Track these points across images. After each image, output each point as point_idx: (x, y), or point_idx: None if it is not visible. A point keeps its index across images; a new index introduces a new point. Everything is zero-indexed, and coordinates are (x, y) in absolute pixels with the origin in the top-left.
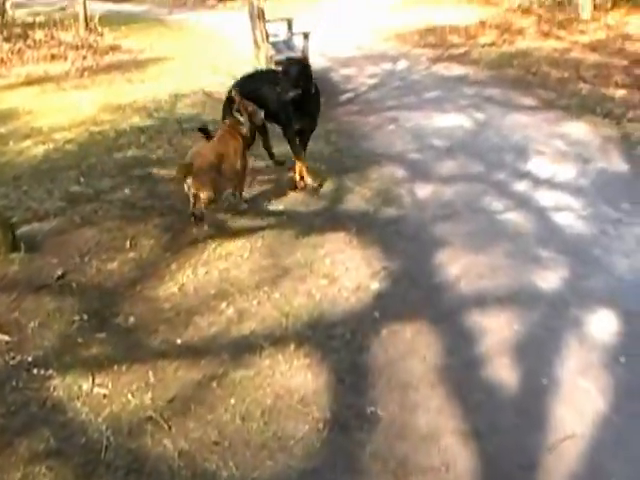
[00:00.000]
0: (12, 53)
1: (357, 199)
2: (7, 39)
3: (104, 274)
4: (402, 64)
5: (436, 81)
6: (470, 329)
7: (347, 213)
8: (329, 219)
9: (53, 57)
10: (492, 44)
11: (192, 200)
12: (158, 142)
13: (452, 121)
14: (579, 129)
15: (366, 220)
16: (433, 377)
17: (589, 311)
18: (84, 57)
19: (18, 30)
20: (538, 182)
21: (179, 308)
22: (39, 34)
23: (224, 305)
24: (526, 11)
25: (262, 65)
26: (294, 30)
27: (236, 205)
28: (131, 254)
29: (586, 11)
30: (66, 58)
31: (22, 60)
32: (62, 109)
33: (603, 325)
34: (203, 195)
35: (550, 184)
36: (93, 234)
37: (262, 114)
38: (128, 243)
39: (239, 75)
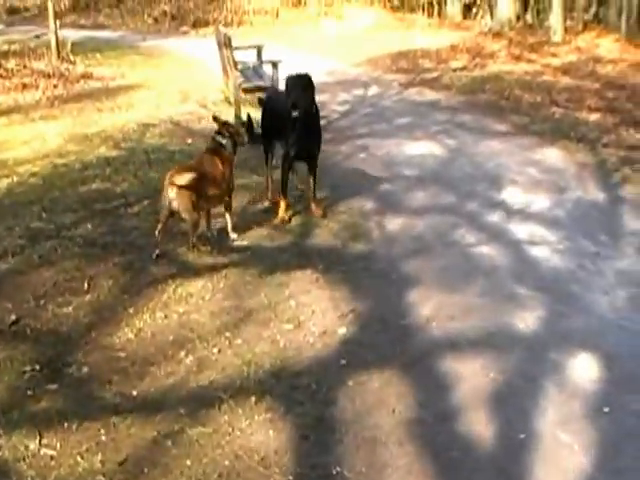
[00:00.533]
0: None
1: (325, 233)
2: None
3: (60, 319)
4: (373, 90)
5: (408, 107)
6: (443, 377)
7: (314, 248)
8: (295, 255)
9: (24, 86)
10: (464, 68)
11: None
12: (124, 174)
13: (423, 149)
14: (553, 155)
15: (334, 256)
16: (403, 432)
17: (569, 355)
18: (55, 86)
19: None
20: (512, 213)
21: (135, 357)
22: (12, 63)
23: (183, 353)
24: (497, 35)
25: (231, 93)
26: (264, 58)
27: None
28: (88, 297)
29: (557, 34)
30: (37, 87)
31: None
32: (28, 141)
33: (584, 371)
34: (186, 216)
35: (524, 215)
36: (51, 275)
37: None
38: (86, 284)
39: (208, 103)
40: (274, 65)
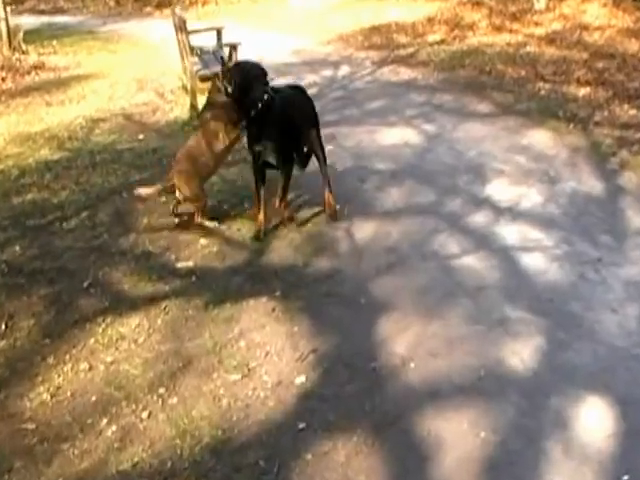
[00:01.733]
0: None
1: (284, 246)
2: None
3: None
4: (344, 70)
5: (381, 88)
6: (423, 442)
7: (271, 268)
8: (249, 278)
9: None
10: (442, 42)
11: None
12: (64, 181)
13: (398, 137)
14: (542, 139)
15: (294, 277)
16: None
17: (574, 401)
18: (3, 79)
19: None
20: (499, 212)
21: (46, 430)
22: None
23: (105, 421)
24: (477, 4)
25: (187, 81)
26: (225, 40)
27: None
28: (3, 343)
29: (541, 1)
30: None
31: None
32: None
33: (594, 423)
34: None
35: (514, 214)
36: None
37: None
38: (3, 325)
39: (166, 92)
40: (233, 48)
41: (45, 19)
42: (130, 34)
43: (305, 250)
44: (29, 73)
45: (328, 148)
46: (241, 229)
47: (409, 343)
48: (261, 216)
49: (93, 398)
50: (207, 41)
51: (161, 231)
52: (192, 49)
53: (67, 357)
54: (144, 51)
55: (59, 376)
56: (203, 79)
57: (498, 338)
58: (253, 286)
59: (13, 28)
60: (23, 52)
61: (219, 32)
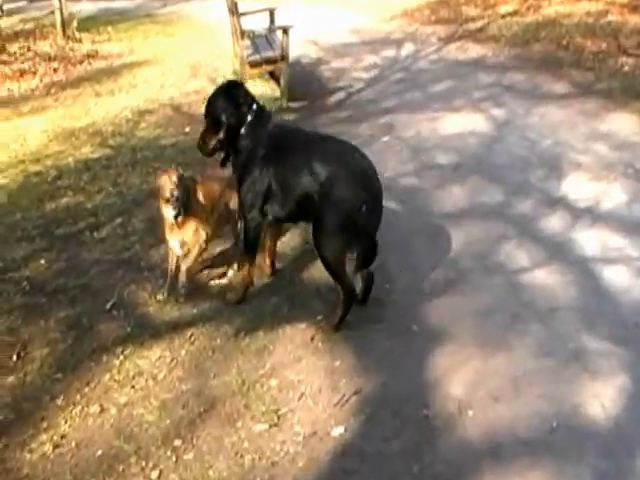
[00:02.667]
0: None
1: None
2: None
3: None
4: (408, 48)
5: (447, 68)
6: None
7: (313, 286)
8: (287, 299)
9: (22, 73)
10: (515, 13)
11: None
12: (101, 182)
13: (463, 124)
14: (626, 124)
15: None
16: None
17: None
18: (55, 70)
19: None
20: (576, 214)
21: None
22: (16, 46)
23: None
24: None
25: (238, 68)
26: (279, 22)
27: None
28: (11, 378)
29: None
30: (36, 73)
31: None
32: (7, 143)
33: None
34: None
35: (593, 216)
36: None
37: None
38: (15, 355)
39: (219, 77)
40: (285, 31)
41: (103, 4)
42: (189, 15)
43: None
44: (81, 62)
45: (383, 140)
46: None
47: (468, 383)
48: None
49: (99, 452)
50: (262, 23)
51: None
52: (243, 33)
53: (78, 397)
54: (202, 33)
55: (66, 421)
56: (253, 65)
57: (574, 376)
58: (291, 309)
59: (67, 17)
60: (77, 41)
61: (272, 13)
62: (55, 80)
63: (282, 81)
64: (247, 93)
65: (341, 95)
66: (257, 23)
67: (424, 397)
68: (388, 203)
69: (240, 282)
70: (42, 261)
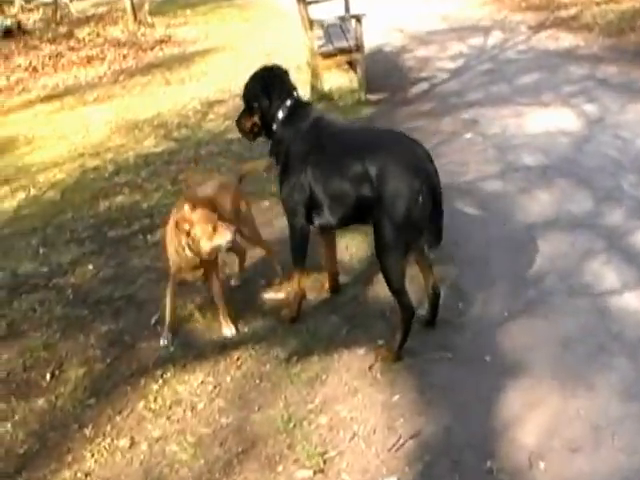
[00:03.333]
0: (49, 58)
1: None
2: (52, 40)
3: None
4: (496, 36)
5: (536, 59)
6: None
7: (378, 305)
8: (348, 319)
9: (90, 60)
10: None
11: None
12: (160, 180)
13: (552, 121)
14: None
15: None
16: None
17: None
18: (124, 56)
19: (64, 29)
20: None
21: None
22: (85, 32)
23: None
24: None
25: (308, 59)
26: (361, 10)
27: None
28: (42, 401)
29: None
30: (104, 59)
31: (56, 66)
32: (68, 134)
33: None
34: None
35: None
36: (9, 357)
37: None
38: (49, 374)
39: (292, 67)
40: (358, 20)
41: None
42: None
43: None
44: (152, 49)
45: (466, 137)
46: (349, 246)
47: (541, 429)
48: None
49: None
50: (337, 10)
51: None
52: (311, 22)
53: (108, 427)
54: (279, 19)
55: (93, 455)
56: (325, 56)
57: None
58: (351, 331)
59: (138, 1)
60: (149, 25)
61: (346, 1)
62: (124, 67)
63: (358, 73)
64: (285, 82)
65: (424, 86)
66: (333, 11)
67: (490, 445)
68: (467, 209)
69: (292, 297)
70: (90, 267)
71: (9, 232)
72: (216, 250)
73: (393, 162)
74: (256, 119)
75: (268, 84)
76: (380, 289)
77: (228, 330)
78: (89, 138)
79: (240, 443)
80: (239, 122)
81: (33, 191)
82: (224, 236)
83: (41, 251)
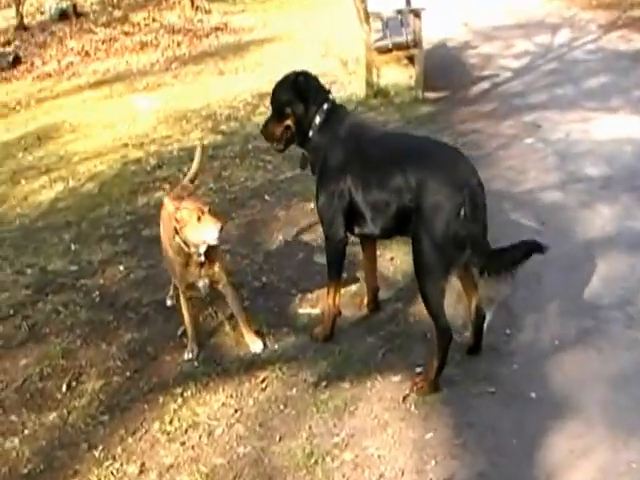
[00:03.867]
0: (102, 43)
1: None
2: (107, 24)
3: None
4: (563, 35)
5: (605, 60)
6: None
7: (419, 328)
8: (386, 341)
9: (143, 46)
10: None
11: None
12: (203, 177)
13: (619, 128)
14: None
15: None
16: None
17: None
18: (178, 44)
19: (119, 13)
20: None
21: None
22: (141, 16)
23: None
24: None
25: (364, 53)
26: (414, 3)
27: None
28: (53, 415)
29: None
30: (157, 46)
31: (108, 52)
32: (114, 123)
33: None
34: None
35: None
36: (27, 363)
37: None
38: (65, 385)
39: (350, 60)
40: (416, 15)
41: None
42: None
43: (464, 304)
44: (208, 36)
45: (527, 142)
46: (395, 257)
47: None
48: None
49: None
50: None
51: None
52: (368, 15)
53: (119, 450)
54: (339, 6)
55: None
56: (381, 51)
57: None
58: (387, 354)
59: None
60: (206, 12)
61: None
62: (177, 55)
63: (416, 69)
64: (319, 85)
65: (485, 85)
66: (394, 3)
67: None
68: (523, 220)
69: (326, 314)
70: (121, 267)
71: (42, 225)
72: (202, 243)
73: (434, 173)
74: (289, 124)
75: (303, 88)
76: (424, 307)
77: (256, 346)
78: (135, 128)
79: (255, 478)
80: (266, 129)
81: (72, 182)
82: (209, 229)
83: (73, 248)
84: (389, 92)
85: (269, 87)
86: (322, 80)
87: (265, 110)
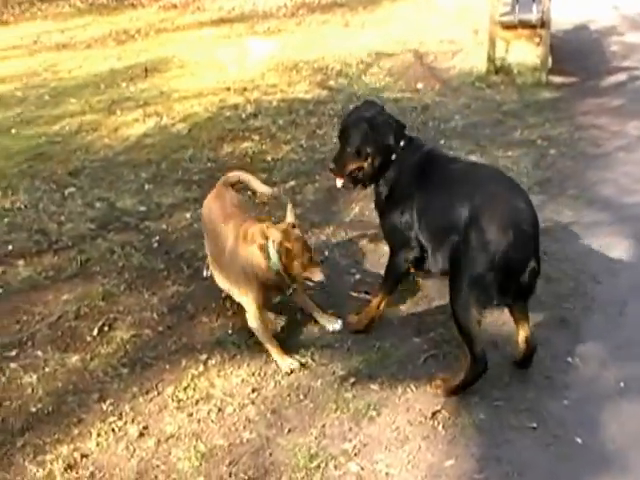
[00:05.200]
0: None
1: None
2: None
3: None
4: None
5: None
6: None
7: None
8: (429, 345)
9: None
10: None
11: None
12: (296, 132)
13: None
14: None
15: (494, 359)
16: None
17: None
18: None
19: None
20: None
21: None
22: None
23: None
24: None
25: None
26: None
27: None
28: (76, 358)
29: None
30: None
31: None
32: (224, 64)
33: None
34: None
35: None
36: (68, 299)
37: None
38: (97, 329)
39: (482, 28)
40: None
41: None
42: None
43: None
44: None
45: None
46: None
47: None
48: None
49: None
50: None
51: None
52: None
53: (127, 407)
54: None
55: (98, 435)
56: (506, 26)
57: None
58: (429, 361)
59: None
60: None
61: None
62: (307, 1)
63: (541, 50)
64: (397, 125)
65: (621, 77)
66: None
67: None
68: (622, 239)
69: (367, 311)
70: (187, 215)
71: (124, 160)
72: (306, 279)
73: (483, 209)
74: (365, 165)
75: (382, 129)
76: (488, 318)
77: (334, 324)
78: (242, 72)
79: (251, 469)
80: (338, 163)
81: (165, 120)
82: (317, 275)
83: (146, 187)
84: (512, 70)
85: (388, 47)
86: (447, 47)
87: (378, 71)
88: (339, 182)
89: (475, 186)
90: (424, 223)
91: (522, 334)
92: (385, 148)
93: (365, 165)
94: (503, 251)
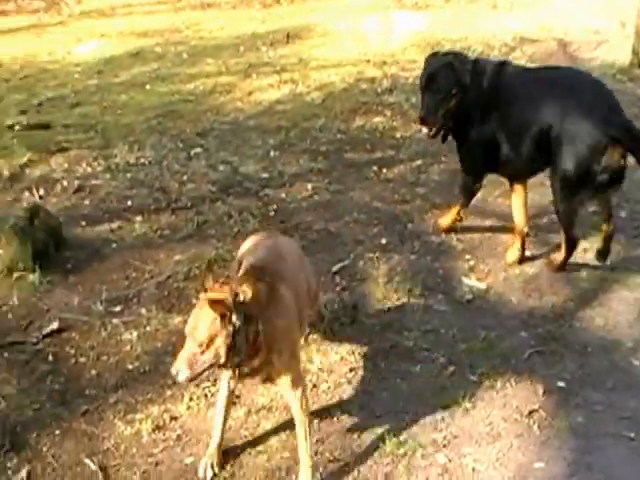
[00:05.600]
0: None
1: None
2: None
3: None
4: None
5: None
6: None
7: (585, 335)
8: (539, 341)
9: None
10: None
11: None
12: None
13: None
14: None
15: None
16: None
17: None
18: None
19: None
20: None
21: None
22: None
23: None
24: None
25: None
26: None
27: None
28: (179, 319)
29: None
30: None
31: None
32: (366, 36)
33: None
34: None
35: None
36: (180, 259)
37: None
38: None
39: (630, 19)
40: None
41: None
42: None
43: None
44: None
45: None
46: (587, 249)
47: None
48: None
49: None
50: None
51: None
52: None
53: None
54: None
55: (190, 399)
56: None
57: None
58: (534, 357)
59: None
60: None
61: None
62: None
63: None
64: (473, 61)
65: None
66: None
67: None
68: None
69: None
70: (309, 185)
71: (253, 125)
72: None
73: (580, 104)
74: (452, 105)
75: (461, 66)
76: (601, 317)
77: None
78: (385, 45)
79: (338, 449)
80: (429, 111)
81: (300, 88)
82: None
83: (272, 154)
84: None
85: (533, 32)
86: (592, 37)
87: (520, 56)
88: (428, 131)
89: (557, 84)
90: (507, 124)
91: (605, 228)
92: (466, 85)
93: (451, 106)
94: (597, 144)
